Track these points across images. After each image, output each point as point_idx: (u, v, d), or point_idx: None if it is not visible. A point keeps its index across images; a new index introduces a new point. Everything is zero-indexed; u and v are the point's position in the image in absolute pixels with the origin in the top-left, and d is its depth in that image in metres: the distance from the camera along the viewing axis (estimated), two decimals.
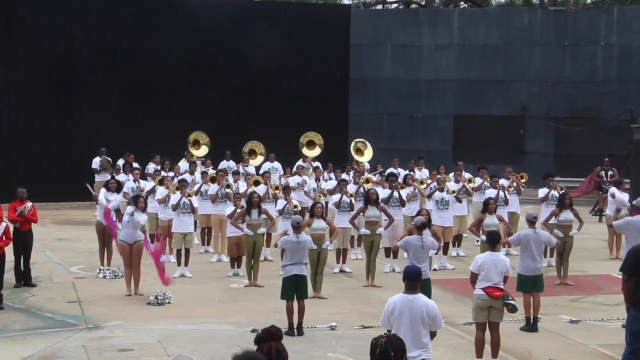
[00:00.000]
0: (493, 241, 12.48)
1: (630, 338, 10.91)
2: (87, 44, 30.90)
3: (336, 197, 19.94)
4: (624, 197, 20.64)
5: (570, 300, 16.59)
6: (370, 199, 18.27)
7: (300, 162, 25.55)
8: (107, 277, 18.32)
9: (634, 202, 15.71)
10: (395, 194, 19.64)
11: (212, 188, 20.81)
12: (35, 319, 14.92)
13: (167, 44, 31.00)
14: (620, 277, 11.26)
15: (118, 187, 19.53)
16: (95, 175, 27.34)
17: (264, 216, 18.26)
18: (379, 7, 51.22)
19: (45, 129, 30.36)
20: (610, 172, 26.95)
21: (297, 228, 14.54)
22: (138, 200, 17.10)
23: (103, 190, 19.38)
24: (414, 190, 20.91)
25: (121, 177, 23.80)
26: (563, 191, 19.48)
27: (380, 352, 5.99)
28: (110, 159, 27.62)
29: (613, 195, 20.65)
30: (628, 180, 24.04)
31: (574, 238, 18.18)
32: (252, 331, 13.41)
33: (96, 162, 27.82)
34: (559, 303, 16.12)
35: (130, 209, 16.93)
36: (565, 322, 14.72)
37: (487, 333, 12.05)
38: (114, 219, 18.48)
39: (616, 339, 11.87)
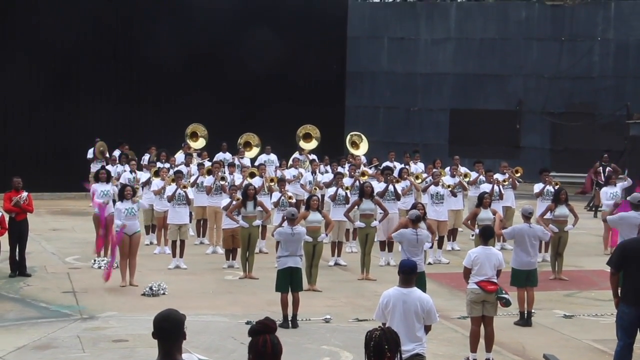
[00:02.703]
0: (486, 236, 12.49)
1: (620, 333, 10.95)
2: (83, 36, 30.82)
3: (332, 190, 19.95)
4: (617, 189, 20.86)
5: (565, 295, 16.63)
6: (365, 192, 18.30)
7: (296, 155, 25.56)
8: (102, 267, 18.28)
9: (628, 198, 15.76)
10: (391, 187, 19.66)
11: (207, 180, 20.83)
12: (29, 309, 14.93)
13: (164, 37, 30.94)
14: None
15: (108, 177, 19.53)
16: (91, 165, 27.32)
17: (259, 208, 18.29)
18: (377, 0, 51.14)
19: (41, 119, 30.29)
20: (608, 169, 26.95)
21: (292, 220, 14.56)
22: (125, 190, 17.18)
23: (94, 186, 19.37)
24: (410, 185, 20.94)
25: (118, 167, 23.78)
26: (558, 186, 19.51)
27: (375, 345, 6.00)
28: (105, 144, 27.54)
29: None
30: (622, 176, 24.05)
31: (569, 233, 18.21)
32: (247, 323, 13.41)
33: (92, 152, 27.82)
34: (553, 298, 16.16)
35: (118, 222, 16.90)
36: (559, 317, 14.76)
37: (482, 327, 12.07)
38: (106, 211, 18.38)
39: (610, 334, 11.90)
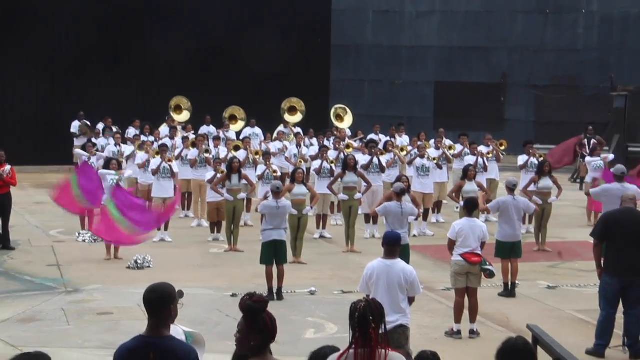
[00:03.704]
0: (470, 207, 12.53)
1: (603, 304, 11.05)
2: (72, 13, 30.60)
3: (318, 163, 19.94)
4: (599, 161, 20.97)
5: (548, 266, 16.72)
6: (348, 165, 18.31)
7: (281, 128, 25.51)
8: (86, 241, 18.29)
9: (612, 170, 15.83)
10: (375, 160, 19.67)
11: (192, 153, 20.79)
12: (14, 282, 14.90)
13: (153, 15, 30.81)
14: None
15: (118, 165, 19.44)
16: (74, 139, 27.20)
17: (244, 181, 18.27)
18: None
19: (25, 92, 30.10)
20: (593, 141, 26.98)
21: (277, 193, 14.57)
22: (110, 163, 17.19)
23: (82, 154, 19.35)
24: (394, 157, 20.94)
25: (101, 140, 23.70)
26: (542, 158, 19.57)
27: (359, 317, 6.01)
28: (89, 123, 27.45)
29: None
30: (607, 148, 24.15)
31: (552, 205, 18.28)
32: (232, 295, 13.48)
33: (75, 126, 27.67)
34: (537, 269, 16.23)
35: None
36: (543, 288, 14.85)
37: (466, 299, 12.13)
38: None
39: (593, 305, 11.97)
